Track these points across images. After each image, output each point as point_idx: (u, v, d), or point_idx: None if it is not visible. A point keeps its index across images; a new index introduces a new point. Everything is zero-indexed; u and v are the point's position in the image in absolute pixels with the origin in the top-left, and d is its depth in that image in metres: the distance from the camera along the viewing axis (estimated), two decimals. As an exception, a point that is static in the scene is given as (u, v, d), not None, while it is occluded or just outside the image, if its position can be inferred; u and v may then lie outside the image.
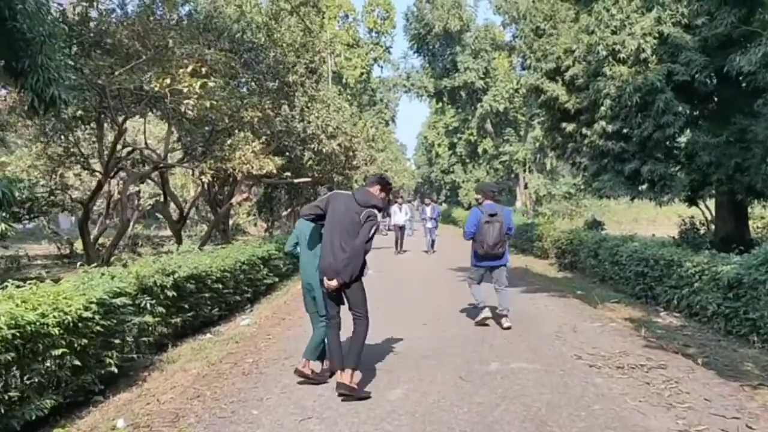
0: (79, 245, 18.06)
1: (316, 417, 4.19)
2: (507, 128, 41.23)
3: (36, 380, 4.28)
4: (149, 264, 6.82)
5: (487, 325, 7.21)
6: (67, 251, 19.21)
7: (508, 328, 7.04)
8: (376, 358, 5.86)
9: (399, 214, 19.17)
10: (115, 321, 5.23)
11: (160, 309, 6.54)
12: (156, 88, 9.48)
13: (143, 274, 6.47)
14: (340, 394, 4.55)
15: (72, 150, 14.78)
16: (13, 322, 3.97)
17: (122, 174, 16.23)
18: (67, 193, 17.43)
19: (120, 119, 11.38)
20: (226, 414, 4.27)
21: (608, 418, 4.14)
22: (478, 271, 7.49)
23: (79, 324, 4.64)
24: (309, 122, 15.20)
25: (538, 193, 38.12)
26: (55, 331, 4.31)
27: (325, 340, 5.09)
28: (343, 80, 39.17)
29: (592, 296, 9.57)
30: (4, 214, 8.05)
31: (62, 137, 14.09)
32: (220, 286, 8.40)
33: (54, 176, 19.00)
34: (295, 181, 17.14)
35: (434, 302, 9.30)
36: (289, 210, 26.25)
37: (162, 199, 16.74)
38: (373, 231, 4.75)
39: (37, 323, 4.18)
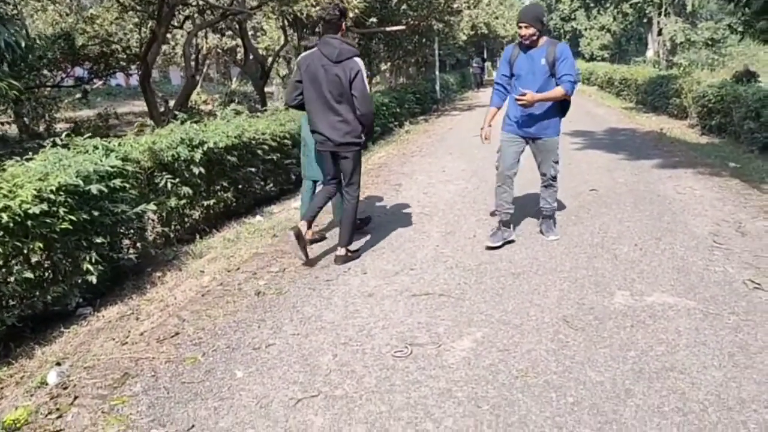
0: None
1: (324, 394, 2.63)
2: (641, -39, 34.70)
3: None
4: (170, 133, 5.42)
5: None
6: (162, 109, 18.76)
7: None
8: (440, 271, 4.24)
9: None
10: (97, 213, 3.93)
11: (186, 189, 5.28)
12: None
13: (160, 146, 5.11)
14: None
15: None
16: None
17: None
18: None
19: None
20: (195, 376, 2.80)
21: None
22: None
23: (28, 222, 3.37)
24: (398, -46, 12.59)
25: (673, 40, 32.64)
26: (-21, 236, 3.05)
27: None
28: None
29: (754, 172, 7.29)
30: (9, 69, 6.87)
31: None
32: (278, 155, 7.03)
33: (143, 29, 18.11)
34: (388, 29, 14.86)
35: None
36: (389, 64, 24.06)
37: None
38: (366, 85, 4.14)
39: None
